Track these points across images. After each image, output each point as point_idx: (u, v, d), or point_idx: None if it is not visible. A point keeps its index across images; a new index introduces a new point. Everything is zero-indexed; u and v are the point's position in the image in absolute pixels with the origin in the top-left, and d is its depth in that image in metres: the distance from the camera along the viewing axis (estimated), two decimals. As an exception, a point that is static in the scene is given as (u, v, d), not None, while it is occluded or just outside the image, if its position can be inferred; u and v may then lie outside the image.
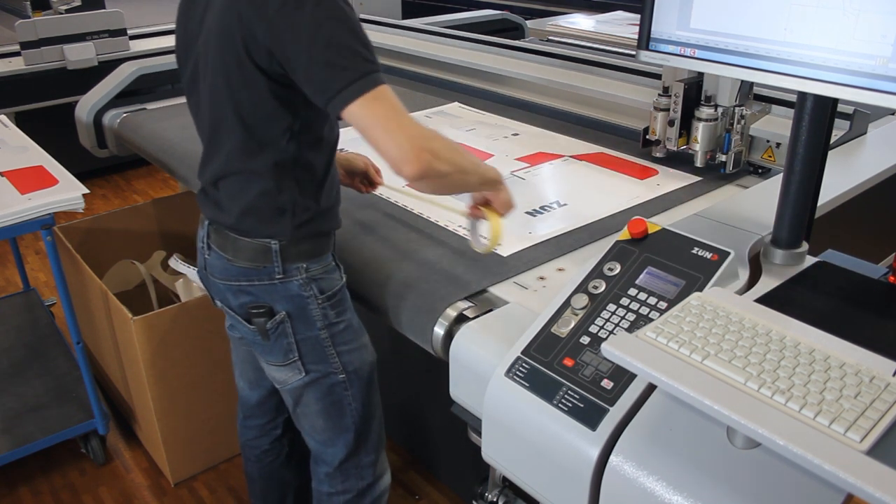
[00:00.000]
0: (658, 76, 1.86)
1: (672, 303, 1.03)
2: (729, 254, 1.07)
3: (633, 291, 1.07)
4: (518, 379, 1.05)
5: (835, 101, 1.11)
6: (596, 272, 1.12)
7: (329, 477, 1.51)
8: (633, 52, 1.25)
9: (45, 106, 3.80)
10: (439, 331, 1.24)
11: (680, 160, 1.82)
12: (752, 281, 1.14)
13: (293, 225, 1.29)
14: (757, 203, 1.38)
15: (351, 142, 1.62)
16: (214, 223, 1.35)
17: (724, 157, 1.73)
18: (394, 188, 1.64)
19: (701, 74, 1.70)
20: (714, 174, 1.76)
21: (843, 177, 1.56)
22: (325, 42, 1.09)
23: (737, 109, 1.69)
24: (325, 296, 1.34)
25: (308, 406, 1.44)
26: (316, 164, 1.29)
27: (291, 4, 1.09)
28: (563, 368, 1.02)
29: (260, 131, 1.22)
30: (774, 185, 1.27)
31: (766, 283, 1.12)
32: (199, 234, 1.42)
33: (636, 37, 1.20)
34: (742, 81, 1.69)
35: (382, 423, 1.54)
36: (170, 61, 2.68)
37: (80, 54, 3.84)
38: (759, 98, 1.80)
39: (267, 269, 1.31)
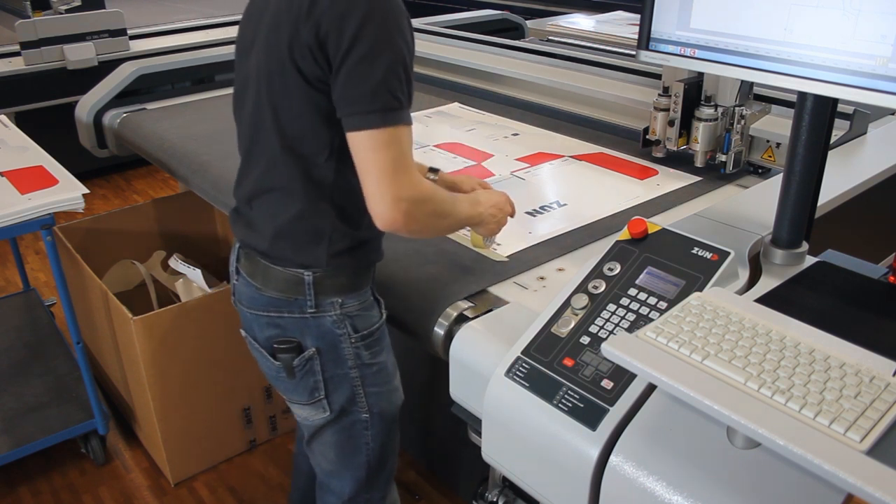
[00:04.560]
0: (658, 76, 1.86)
1: (672, 303, 1.03)
2: (729, 254, 1.07)
3: (633, 291, 1.07)
4: (518, 379, 1.05)
5: (835, 101, 1.11)
6: (596, 272, 1.12)
7: None
8: (633, 52, 1.25)
9: (45, 106, 3.80)
10: (439, 331, 1.24)
11: (680, 160, 1.82)
12: (752, 281, 1.14)
13: (329, 253, 1.20)
14: (757, 203, 1.38)
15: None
16: (246, 247, 1.28)
17: (724, 157, 1.73)
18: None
19: (701, 74, 1.70)
20: (714, 174, 1.76)
21: (843, 177, 1.57)
22: (366, 55, 1.04)
23: (737, 109, 1.69)
24: (360, 335, 1.26)
25: (323, 437, 1.36)
26: (359, 189, 1.13)
27: (341, 6, 1.04)
28: (563, 368, 1.02)
29: (298, 145, 1.15)
30: (774, 185, 1.28)
31: (766, 283, 1.12)
32: (230, 257, 1.35)
33: (636, 37, 1.20)
34: (742, 81, 1.69)
35: (396, 458, 1.46)
36: (170, 61, 2.68)
37: (80, 54, 3.84)
38: (759, 98, 1.80)
39: (298, 302, 1.22)
